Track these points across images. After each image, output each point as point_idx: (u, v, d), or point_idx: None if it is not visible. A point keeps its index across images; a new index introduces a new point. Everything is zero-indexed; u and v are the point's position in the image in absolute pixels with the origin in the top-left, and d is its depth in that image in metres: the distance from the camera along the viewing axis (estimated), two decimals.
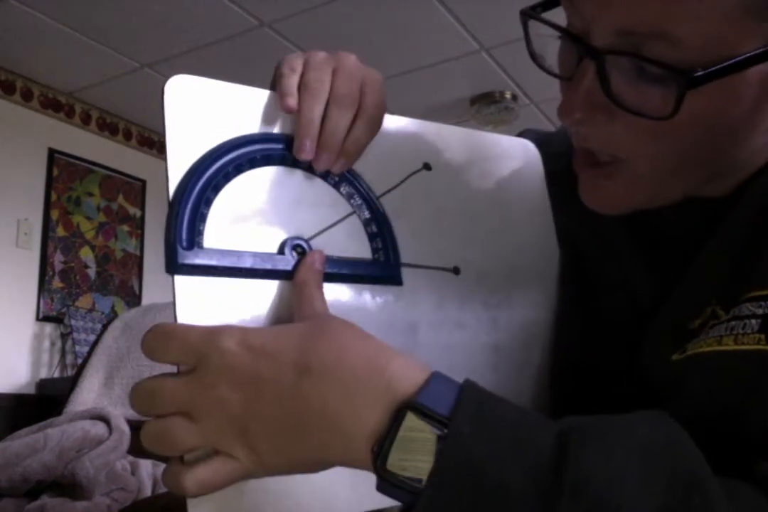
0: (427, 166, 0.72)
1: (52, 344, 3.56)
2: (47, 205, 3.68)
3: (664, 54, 0.52)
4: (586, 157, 0.62)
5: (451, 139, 0.75)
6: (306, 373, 0.49)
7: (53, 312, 3.59)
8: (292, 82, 0.64)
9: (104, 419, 1.78)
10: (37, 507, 1.58)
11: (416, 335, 0.65)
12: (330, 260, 0.62)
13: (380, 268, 0.65)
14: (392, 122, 0.71)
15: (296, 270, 0.60)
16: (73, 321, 3.49)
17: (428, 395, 0.48)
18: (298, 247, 0.62)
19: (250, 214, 0.61)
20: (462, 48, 3.29)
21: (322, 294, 0.58)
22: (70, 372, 3.41)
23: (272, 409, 0.48)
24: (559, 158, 0.74)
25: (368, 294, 0.64)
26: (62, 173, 3.78)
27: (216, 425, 0.49)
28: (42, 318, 3.55)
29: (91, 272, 3.81)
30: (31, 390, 3.41)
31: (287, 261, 0.61)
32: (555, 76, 0.61)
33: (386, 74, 0.68)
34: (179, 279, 0.56)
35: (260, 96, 0.64)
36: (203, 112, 0.61)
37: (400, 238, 0.67)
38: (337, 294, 0.62)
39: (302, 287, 0.58)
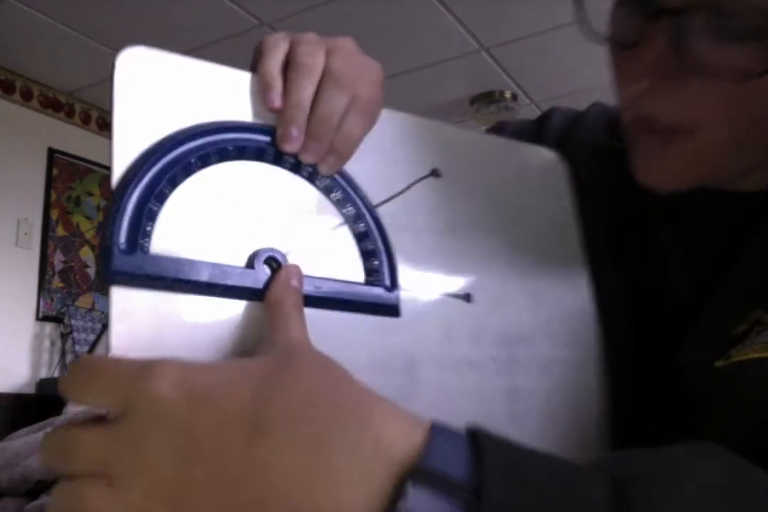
0: (435, 173, 0.60)
1: (52, 344, 3.55)
2: (47, 205, 3.66)
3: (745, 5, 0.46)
4: (645, 126, 0.55)
5: (465, 142, 0.63)
6: (261, 432, 0.36)
7: (53, 311, 3.57)
8: (274, 62, 0.53)
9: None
10: (37, 507, 1.53)
11: (416, 376, 0.53)
12: (311, 280, 0.50)
13: (374, 294, 0.53)
14: (395, 119, 0.59)
15: (269, 286, 0.48)
16: (73, 321, 3.49)
17: (436, 455, 0.36)
18: (272, 261, 0.50)
19: (214, 217, 0.49)
20: (462, 48, 3.25)
21: (301, 315, 0.46)
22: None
23: (213, 479, 0.36)
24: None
25: (358, 325, 0.52)
26: (62, 173, 3.76)
27: (141, 494, 0.36)
28: (42, 317, 3.53)
29: (91, 272, 3.80)
30: (31, 390, 3.39)
31: (257, 277, 0.48)
32: (613, 45, 0.54)
33: (386, 74, 0.59)
34: (115, 292, 0.44)
35: (237, 77, 0.53)
36: (164, 90, 0.50)
37: (400, 257, 0.55)
38: (317, 323, 0.50)
39: (276, 306, 0.46)
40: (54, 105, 3.73)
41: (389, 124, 0.58)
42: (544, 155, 0.68)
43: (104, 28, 3.13)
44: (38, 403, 3.19)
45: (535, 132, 0.75)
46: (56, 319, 3.57)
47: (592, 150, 0.70)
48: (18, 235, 3.47)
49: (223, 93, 0.52)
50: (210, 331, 0.46)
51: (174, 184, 0.48)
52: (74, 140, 3.81)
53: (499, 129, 0.80)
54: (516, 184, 0.64)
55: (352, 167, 0.55)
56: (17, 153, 3.53)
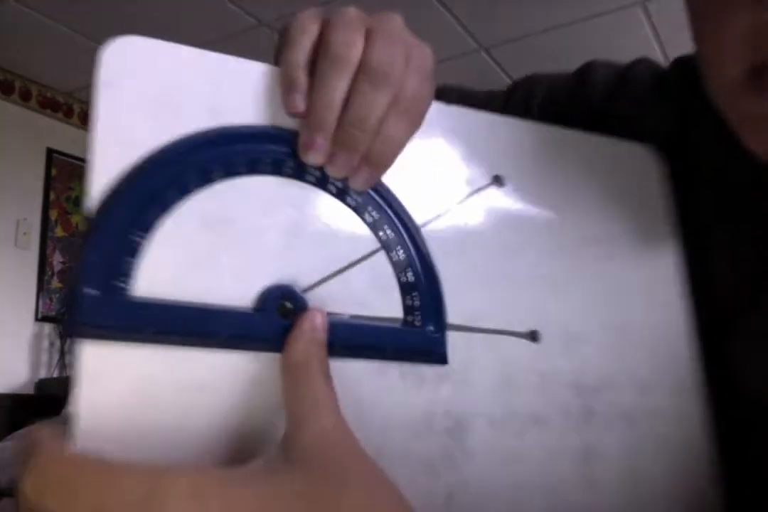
0: (498, 181, 0.49)
1: (51, 344, 3.56)
2: (46, 205, 3.67)
3: None
4: None
5: (535, 141, 0.52)
6: None
7: (52, 312, 3.58)
8: (299, 52, 0.43)
9: None
10: None
11: (466, 438, 0.43)
12: (337, 322, 0.41)
13: (415, 336, 0.43)
14: (442, 112, 0.48)
15: (288, 339, 0.39)
16: None
17: None
18: (287, 301, 0.40)
19: (215, 246, 0.40)
20: (462, 47, 3.25)
21: (331, 386, 0.38)
22: (69, 372, 3.39)
23: None
24: None
25: (394, 376, 0.43)
26: (61, 173, 3.75)
27: None
28: (41, 318, 3.55)
29: None
30: (30, 390, 3.40)
31: (268, 323, 0.39)
32: None
33: None
34: (84, 347, 0.36)
35: (252, 70, 0.43)
36: (158, 87, 0.40)
37: (449, 287, 0.45)
38: (345, 374, 0.41)
39: (298, 372, 0.38)
40: (53, 105, 3.73)
41: (439, 120, 0.48)
42: (637, 153, 0.56)
43: (103, 29, 3.10)
44: (37, 403, 3.18)
45: (575, 89, 0.65)
46: (55, 320, 3.56)
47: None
48: (17, 236, 3.49)
49: (234, 90, 0.42)
50: (209, 396, 0.38)
51: (165, 206, 0.39)
52: (73, 140, 3.78)
53: (527, 90, 0.68)
54: (600, 191, 0.53)
55: (392, 179, 0.45)
56: (16, 153, 3.54)
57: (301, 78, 0.42)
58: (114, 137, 0.38)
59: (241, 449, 0.37)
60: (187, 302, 0.38)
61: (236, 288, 0.39)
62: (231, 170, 0.41)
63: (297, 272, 0.41)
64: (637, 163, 0.56)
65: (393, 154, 0.44)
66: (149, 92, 0.40)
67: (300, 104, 0.42)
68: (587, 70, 0.66)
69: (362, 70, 0.42)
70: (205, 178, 0.40)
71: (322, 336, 0.39)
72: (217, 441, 0.37)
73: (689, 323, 0.52)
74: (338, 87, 0.42)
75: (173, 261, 0.38)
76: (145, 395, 0.36)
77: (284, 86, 0.42)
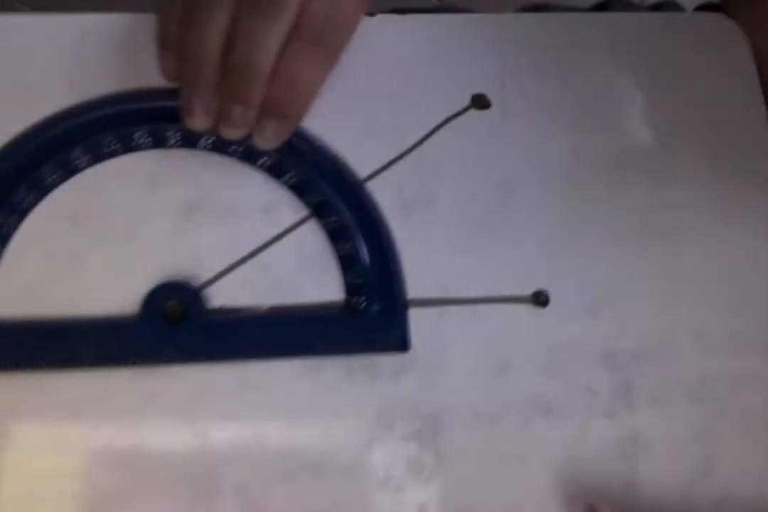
0: (479, 102, 0.38)
1: None
2: None
3: None
4: None
5: (535, 35, 0.39)
6: None
7: None
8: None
9: None
10: None
11: (440, 441, 0.34)
12: (247, 319, 0.34)
13: (359, 323, 0.35)
14: (385, 26, 0.38)
15: None
16: None
17: None
18: (178, 302, 0.34)
19: (85, 247, 0.34)
20: None
21: None
22: None
23: None
24: None
25: (336, 374, 0.35)
26: None
27: None
28: None
29: None
30: None
31: (148, 333, 0.33)
32: None
33: None
34: None
35: (114, 25, 0.36)
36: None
37: (413, 256, 0.36)
38: (271, 379, 0.34)
39: None
40: None
41: (382, 36, 0.37)
42: (718, 24, 0.41)
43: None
44: None
45: None
46: None
47: None
48: None
49: (96, 53, 0.35)
50: (85, 423, 0.33)
51: (18, 211, 0.34)
52: None
53: None
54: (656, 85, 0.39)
55: (320, 123, 0.36)
56: None
57: (173, 29, 0.34)
58: None
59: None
60: (46, 318, 0.33)
61: (115, 294, 0.33)
62: (99, 153, 0.34)
63: (194, 264, 0.34)
64: (715, 43, 0.40)
65: (301, 99, 0.34)
66: None
67: (170, 62, 0.34)
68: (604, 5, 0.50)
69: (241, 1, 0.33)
70: (67, 168, 0.34)
71: None
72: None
73: None
74: (212, 24, 0.33)
75: (34, 272, 0.33)
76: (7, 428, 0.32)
77: (157, 46, 0.35)
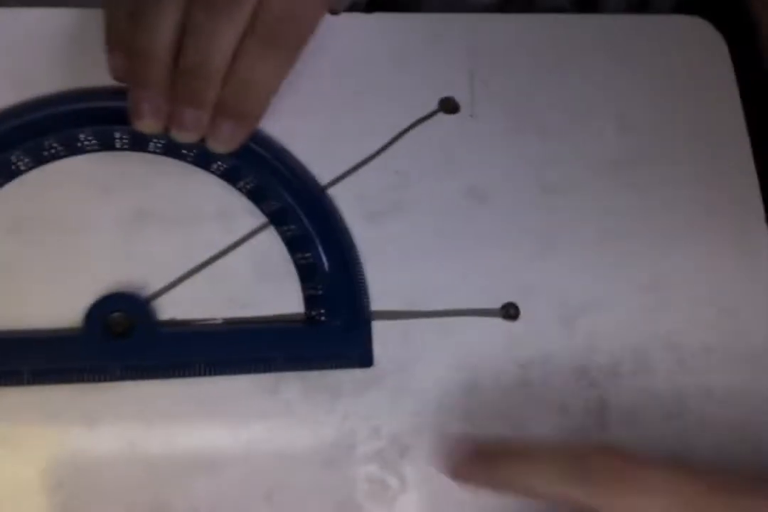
0: (447, 105, 0.36)
1: None
2: None
3: None
4: None
5: (508, 36, 0.37)
6: None
7: None
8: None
9: None
10: None
11: (404, 465, 0.32)
12: (201, 331, 0.32)
13: (320, 336, 0.33)
14: (356, 22, 0.36)
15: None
16: None
17: None
18: (124, 314, 0.32)
19: (26, 255, 0.32)
20: None
21: None
22: None
23: None
24: None
25: (292, 391, 0.32)
26: None
27: None
28: None
29: None
30: None
31: (89, 347, 0.31)
32: None
33: None
34: None
35: (56, 20, 0.33)
36: None
37: (377, 265, 0.34)
38: (223, 396, 0.32)
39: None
40: None
41: (345, 35, 0.36)
42: (696, 27, 0.40)
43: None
44: None
45: None
46: None
47: None
48: None
49: (40, 50, 0.33)
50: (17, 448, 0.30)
51: None
52: None
53: None
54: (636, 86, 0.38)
55: (280, 126, 0.34)
56: None
57: (122, 27, 0.32)
58: None
59: None
60: None
61: (57, 305, 0.31)
62: (41, 155, 0.32)
63: (143, 274, 0.32)
64: (692, 45, 0.39)
65: (258, 100, 0.32)
66: None
67: (119, 61, 0.32)
68: None
69: None
70: (6, 172, 0.32)
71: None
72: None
73: None
74: (162, 21, 0.31)
75: None
76: None
77: (105, 43, 0.33)
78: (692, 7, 0.44)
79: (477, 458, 0.31)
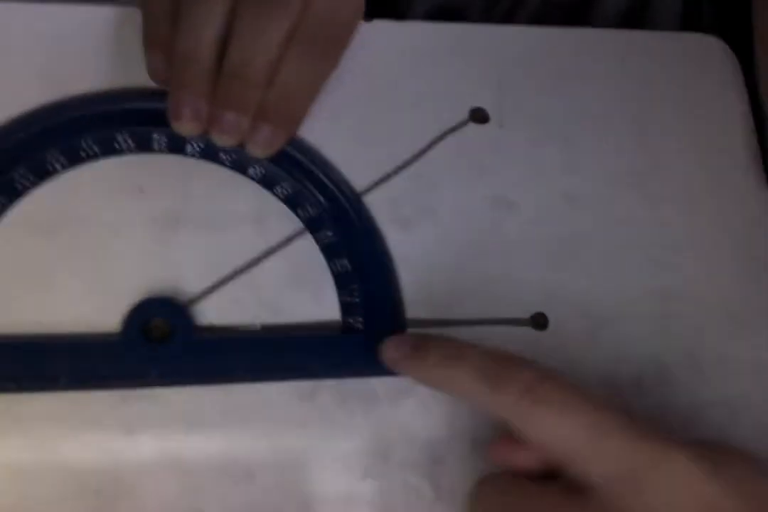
0: (478, 115, 0.36)
1: None
2: None
3: None
4: None
5: (535, 50, 0.38)
6: None
7: None
8: None
9: None
10: None
11: (441, 474, 0.33)
12: (240, 338, 0.31)
13: (356, 344, 0.33)
14: (383, 31, 0.36)
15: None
16: None
17: None
18: (163, 320, 0.31)
19: (60, 257, 0.31)
20: None
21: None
22: None
23: None
24: None
25: (327, 399, 0.32)
26: None
27: None
28: None
29: None
30: None
31: (130, 353, 0.30)
32: None
33: None
34: None
35: (95, 18, 0.33)
36: None
37: (410, 272, 0.34)
38: (257, 402, 0.31)
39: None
40: None
41: (381, 41, 0.36)
42: (710, 45, 0.41)
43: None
44: None
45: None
46: None
47: None
48: None
49: (74, 48, 0.32)
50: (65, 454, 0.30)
51: None
52: None
53: None
54: (651, 105, 0.38)
55: (317, 132, 0.34)
56: None
57: (163, 26, 0.31)
58: None
59: None
60: (16, 336, 0.30)
61: (94, 310, 0.30)
62: (76, 156, 0.31)
63: (178, 279, 0.31)
64: (705, 63, 0.40)
65: (299, 106, 0.32)
66: None
67: (159, 62, 0.31)
68: None
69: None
70: (41, 172, 0.31)
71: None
72: None
73: None
74: (207, 21, 0.31)
75: (3, 285, 0.30)
76: None
77: (144, 43, 0.32)
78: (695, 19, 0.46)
79: (411, 346, 0.31)
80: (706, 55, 0.41)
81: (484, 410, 0.29)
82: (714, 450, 0.27)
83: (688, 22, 0.48)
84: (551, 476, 0.28)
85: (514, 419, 0.27)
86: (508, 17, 0.49)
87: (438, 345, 0.30)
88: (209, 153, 0.32)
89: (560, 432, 0.27)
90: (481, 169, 0.36)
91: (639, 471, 0.26)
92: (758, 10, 0.36)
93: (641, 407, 0.35)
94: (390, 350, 0.31)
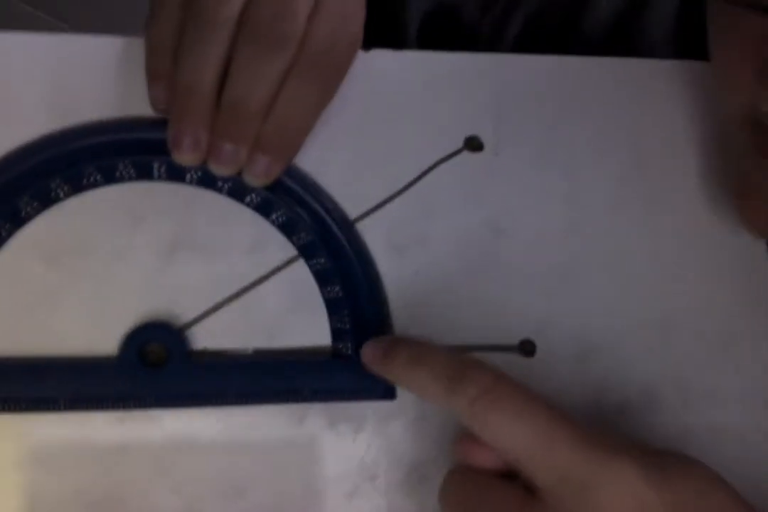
0: (473, 143, 0.37)
1: None
2: None
3: None
4: None
5: (529, 78, 0.39)
6: None
7: None
8: (164, 27, 0.33)
9: None
10: None
11: (428, 494, 0.34)
12: (231, 363, 0.32)
13: (345, 369, 0.34)
14: (381, 60, 0.37)
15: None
16: None
17: None
18: (159, 344, 0.32)
19: (61, 283, 0.32)
20: None
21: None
22: None
23: None
24: None
25: (318, 422, 0.33)
26: None
27: None
28: None
29: None
30: None
31: (126, 375, 0.31)
32: None
33: None
34: None
35: (101, 48, 0.34)
36: None
37: (399, 298, 0.35)
38: (249, 424, 0.32)
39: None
40: None
41: (377, 70, 0.36)
42: (701, 72, 0.41)
43: (102, 27, 3.08)
44: None
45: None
46: None
47: None
48: None
49: (80, 78, 0.33)
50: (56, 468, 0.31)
51: None
52: None
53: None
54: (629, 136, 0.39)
55: (311, 160, 0.35)
56: None
57: (165, 58, 0.32)
58: None
59: None
60: (18, 358, 0.31)
61: (93, 334, 0.32)
62: (79, 184, 0.32)
63: (175, 303, 0.33)
64: (703, 90, 0.41)
65: (295, 137, 0.33)
66: None
67: (160, 92, 0.32)
68: None
69: (243, 31, 0.32)
70: (45, 200, 0.32)
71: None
72: None
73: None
74: (208, 56, 0.32)
75: (7, 309, 0.31)
76: None
77: (146, 73, 0.33)
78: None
79: (383, 348, 0.32)
80: (706, 82, 0.41)
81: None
82: (669, 460, 0.28)
83: (685, 22, 0.49)
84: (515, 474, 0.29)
85: (468, 421, 0.28)
86: (505, 15, 0.50)
87: (407, 347, 0.31)
88: (207, 181, 0.33)
89: (511, 437, 0.28)
90: (475, 196, 0.36)
91: (585, 479, 0.27)
92: (714, 43, 0.36)
93: (628, 433, 0.36)
94: (366, 352, 0.32)
